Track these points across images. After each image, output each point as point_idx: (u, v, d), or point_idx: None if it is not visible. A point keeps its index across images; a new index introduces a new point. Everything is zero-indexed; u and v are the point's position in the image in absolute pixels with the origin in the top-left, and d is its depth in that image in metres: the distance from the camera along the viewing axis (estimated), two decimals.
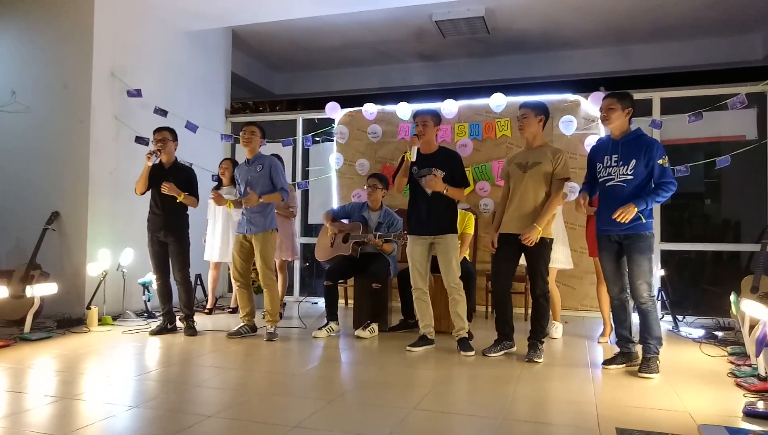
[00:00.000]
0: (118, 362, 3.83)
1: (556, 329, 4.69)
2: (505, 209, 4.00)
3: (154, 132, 4.75)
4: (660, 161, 3.42)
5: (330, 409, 2.83)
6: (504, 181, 4.12)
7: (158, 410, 2.80)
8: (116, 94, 5.58)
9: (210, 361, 3.89)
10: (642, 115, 5.84)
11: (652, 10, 6.29)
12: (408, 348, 4.12)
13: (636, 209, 3.36)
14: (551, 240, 3.90)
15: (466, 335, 4.14)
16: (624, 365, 3.63)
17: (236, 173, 4.71)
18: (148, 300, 5.42)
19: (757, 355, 3.15)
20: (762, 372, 3.16)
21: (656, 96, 6.00)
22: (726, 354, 3.98)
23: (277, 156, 4.94)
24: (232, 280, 4.74)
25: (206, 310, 5.80)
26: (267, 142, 6.57)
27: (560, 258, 4.56)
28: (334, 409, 2.85)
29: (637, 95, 6.07)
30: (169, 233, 4.63)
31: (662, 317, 5.27)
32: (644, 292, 3.46)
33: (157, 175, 4.59)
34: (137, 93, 5.67)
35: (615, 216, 3.38)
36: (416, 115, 4.20)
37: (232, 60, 7.47)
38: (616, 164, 3.52)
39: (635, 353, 3.65)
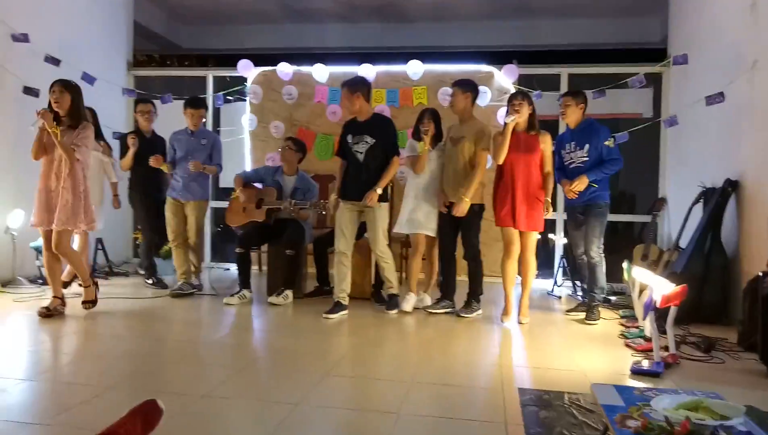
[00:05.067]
0: (10, 332, 3.54)
1: (407, 301, 4.34)
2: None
3: (137, 103, 5.33)
4: (606, 142, 4.14)
5: (240, 378, 2.79)
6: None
7: (53, 383, 2.64)
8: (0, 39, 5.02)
9: (112, 329, 3.69)
10: (550, 89, 6.07)
11: None
12: (324, 315, 4.12)
13: (587, 180, 4.07)
14: (480, 206, 4.23)
15: (395, 293, 4.34)
16: (584, 313, 4.23)
17: (172, 139, 4.99)
18: (42, 265, 5.04)
19: (644, 318, 3.43)
20: (647, 333, 3.45)
21: (564, 72, 6.24)
22: (618, 317, 4.31)
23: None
24: (171, 242, 4.94)
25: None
26: (173, 98, 6.26)
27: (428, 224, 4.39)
28: (244, 377, 2.81)
29: (546, 70, 6.36)
30: (156, 191, 5.23)
31: (562, 283, 5.62)
32: (595, 250, 4.16)
33: (140, 145, 5.09)
34: (24, 38, 5.12)
35: (571, 185, 4.10)
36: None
37: (134, 8, 6.92)
38: (574, 149, 4.23)
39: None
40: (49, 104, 3.91)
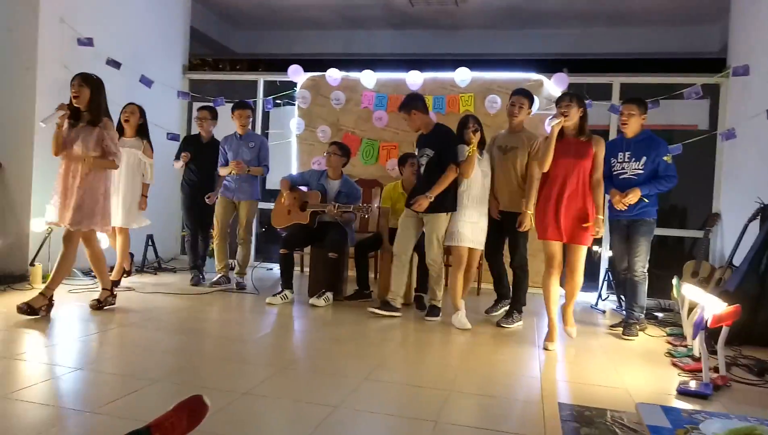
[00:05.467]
0: (63, 322, 3.71)
1: (458, 319, 4.10)
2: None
3: (198, 110, 5.57)
4: (665, 158, 4.02)
5: (281, 377, 2.83)
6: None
7: (103, 373, 2.74)
8: (66, 42, 5.27)
9: (158, 323, 3.81)
10: (602, 99, 5.94)
11: None
12: (370, 309, 4.25)
13: (640, 192, 3.95)
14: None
15: (437, 305, 4.32)
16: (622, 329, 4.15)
17: (224, 144, 5.27)
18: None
19: (694, 338, 3.31)
20: (696, 353, 3.33)
21: (616, 81, 6.10)
22: (665, 334, 4.17)
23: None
24: (215, 237, 5.27)
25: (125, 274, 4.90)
26: (225, 101, 6.45)
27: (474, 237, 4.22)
28: (285, 376, 2.85)
29: (598, 79, 6.23)
30: (204, 195, 5.38)
31: (607, 297, 5.48)
32: (639, 268, 4.05)
33: (195, 146, 5.43)
34: (88, 42, 5.38)
35: (623, 196, 3.97)
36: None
37: (191, 13, 7.15)
38: (628, 160, 4.10)
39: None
40: (70, 100, 3.81)
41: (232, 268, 5.38)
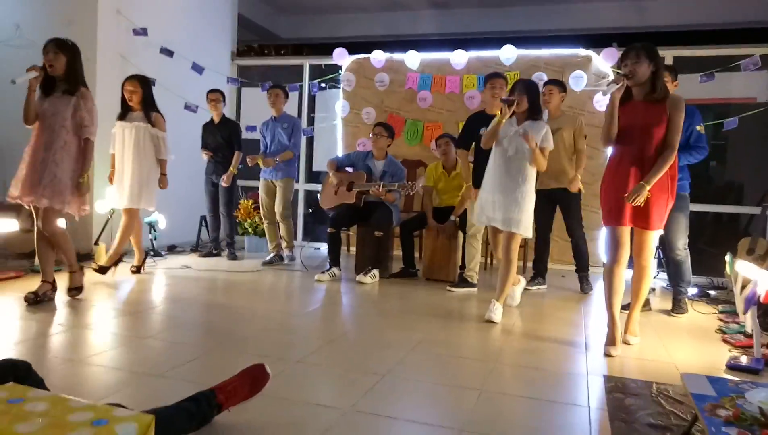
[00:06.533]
0: (128, 296, 3.95)
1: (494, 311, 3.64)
2: None
3: (208, 93, 5.61)
4: (698, 127, 3.80)
5: (331, 348, 2.96)
6: None
7: (165, 342, 2.93)
8: (122, 33, 5.51)
9: (213, 298, 4.01)
10: None
11: None
12: (448, 288, 4.49)
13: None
14: (579, 192, 4.55)
15: (467, 277, 4.53)
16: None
17: (262, 128, 5.54)
18: (155, 239, 5.52)
19: (745, 312, 3.24)
20: (748, 329, 3.26)
21: (669, 54, 5.89)
22: (716, 312, 4.09)
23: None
24: (263, 218, 5.55)
25: (133, 268, 4.72)
26: (272, 85, 6.61)
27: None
28: (335, 347, 2.98)
29: None
30: (219, 177, 5.52)
31: (657, 274, 5.38)
32: (681, 245, 3.91)
33: (208, 131, 5.64)
34: (143, 32, 5.60)
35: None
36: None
37: (238, 0, 7.32)
38: None
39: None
40: (44, 65, 3.49)
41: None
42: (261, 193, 5.52)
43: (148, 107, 4.46)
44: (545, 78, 5.93)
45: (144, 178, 4.44)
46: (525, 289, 4.34)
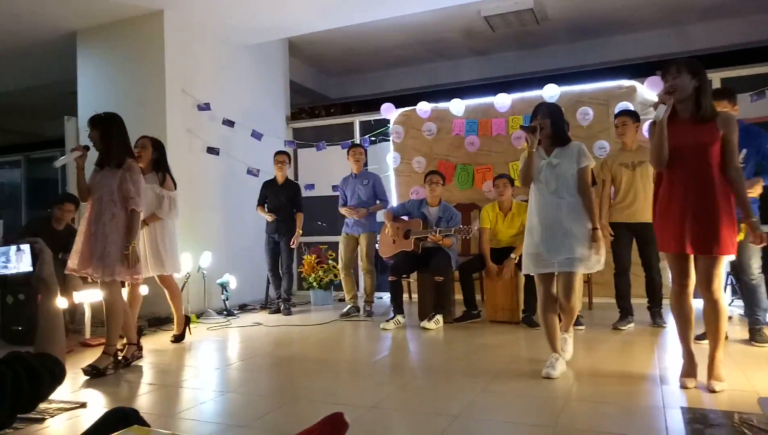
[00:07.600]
0: (207, 354, 4.18)
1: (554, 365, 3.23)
2: (611, 203, 4.53)
3: (276, 154, 5.89)
4: None
5: (403, 392, 3.05)
6: (603, 178, 4.55)
7: (247, 395, 3.10)
8: (187, 109, 6.00)
9: (288, 350, 4.18)
10: None
11: None
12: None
13: (762, 181, 3.69)
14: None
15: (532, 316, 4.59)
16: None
17: (342, 184, 5.79)
18: (227, 299, 5.81)
19: None
20: None
21: (716, 76, 5.86)
22: None
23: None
24: (341, 271, 5.67)
25: (172, 338, 4.54)
26: (327, 145, 6.96)
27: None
28: (406, 391, 3.06)
29: None
30: (281, 236, 5.72)
31: (732, 302, 5.20)
32: (754, 269, 3.80)
33: (271, 190, 5.85)
34: (207, 106, 6.07)
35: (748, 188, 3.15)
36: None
37: (289, 68, 7.81)
38: None
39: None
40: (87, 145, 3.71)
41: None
42: (341, 246, 5.68)
43: (160, 169, 4.32)
44: (591, 113, 6.00)
45: (155, 243, 4.21)
46: (617, 328, 4.41)
